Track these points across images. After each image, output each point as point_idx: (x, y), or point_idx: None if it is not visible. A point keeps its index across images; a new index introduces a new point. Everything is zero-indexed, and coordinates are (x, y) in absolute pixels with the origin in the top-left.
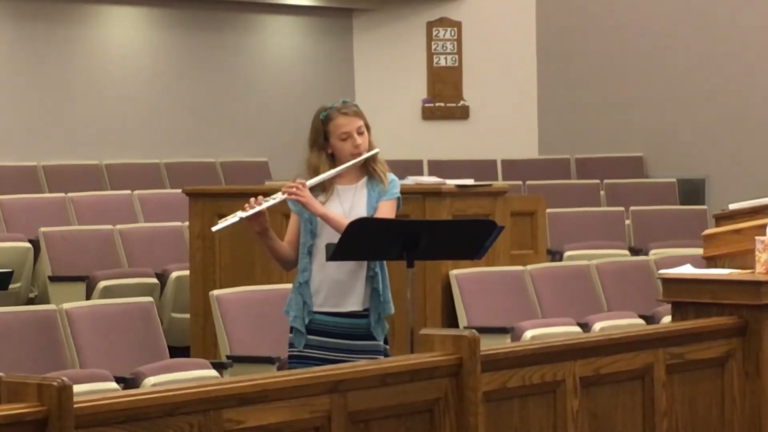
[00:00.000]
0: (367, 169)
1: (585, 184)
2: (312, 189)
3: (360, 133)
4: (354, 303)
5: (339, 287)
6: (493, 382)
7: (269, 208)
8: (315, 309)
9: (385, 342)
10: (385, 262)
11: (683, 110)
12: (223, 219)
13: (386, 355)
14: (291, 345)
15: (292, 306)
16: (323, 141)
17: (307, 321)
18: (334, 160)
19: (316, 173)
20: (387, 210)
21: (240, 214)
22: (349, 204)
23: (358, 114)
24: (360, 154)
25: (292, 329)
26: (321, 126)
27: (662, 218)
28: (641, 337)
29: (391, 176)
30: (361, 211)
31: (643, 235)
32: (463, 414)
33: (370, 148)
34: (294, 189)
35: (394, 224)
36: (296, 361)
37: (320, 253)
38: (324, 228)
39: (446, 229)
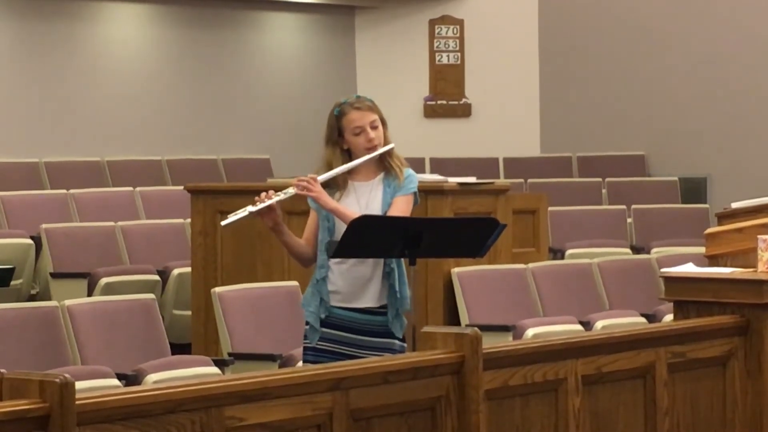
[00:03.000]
0: (384, 164)
1: (587, 182)
2: (327, 185)
3: (374, 128)
4: (369, 299)
5: (356, 283)
6: (495, 380)
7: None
8: (332, 304)
9: (403, 339)
10: (402, 258)
11: (685, 109)
12: (233, 213)
13: (401, 352)
14: (305, 337)
15: (309, 302)
16: (338, 137)
17: (323, 317)
18: (349, 156)
19: (331, 169)
20: (402, 205)
21: (249, 209)
22: (365, 201)
23: (372, 108)
24: (374, 149)
25: (307, 323)
26: (335, 122)
27: (664, 217)
28: (643, 336)
29: (409, 171)
30: (375, 208)
31: (645, 233)
32: (465, 412)
33: (386, 143)
34: (305, 183)
35: (397, 222)
36: (310, 353)
37: None
38: (341, 225)
39: (448, 227)
